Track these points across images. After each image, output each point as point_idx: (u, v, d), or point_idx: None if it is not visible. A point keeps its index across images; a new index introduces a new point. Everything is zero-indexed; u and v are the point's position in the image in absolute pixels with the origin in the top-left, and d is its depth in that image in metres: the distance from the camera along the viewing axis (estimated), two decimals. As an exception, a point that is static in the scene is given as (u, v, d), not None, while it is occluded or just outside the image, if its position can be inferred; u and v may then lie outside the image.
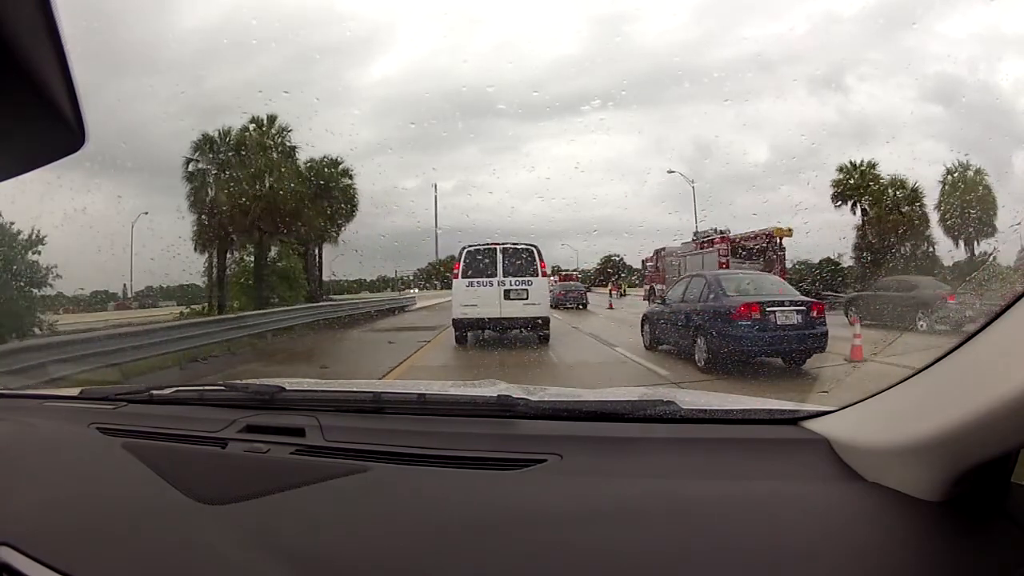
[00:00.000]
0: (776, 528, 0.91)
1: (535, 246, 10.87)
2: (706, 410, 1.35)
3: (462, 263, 10.72)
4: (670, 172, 18.99)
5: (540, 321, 10.39)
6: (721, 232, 16.27)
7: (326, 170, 23.21)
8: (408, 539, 0.96)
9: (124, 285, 22.71)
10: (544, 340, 10.39)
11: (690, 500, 0.99)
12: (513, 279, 10.49)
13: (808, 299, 7.61)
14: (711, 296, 7.70)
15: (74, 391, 1.82)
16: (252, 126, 20.51)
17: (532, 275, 10.56)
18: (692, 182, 18.89)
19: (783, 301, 7.25)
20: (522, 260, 10.63)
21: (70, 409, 1.73)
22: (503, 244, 10.83)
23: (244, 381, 1.59)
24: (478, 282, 10.50)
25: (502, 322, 10.41)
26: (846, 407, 1.13)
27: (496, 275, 10.53)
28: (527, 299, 10.42)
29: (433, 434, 1.28)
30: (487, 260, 10.63)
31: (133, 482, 1.20)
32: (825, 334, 7.08)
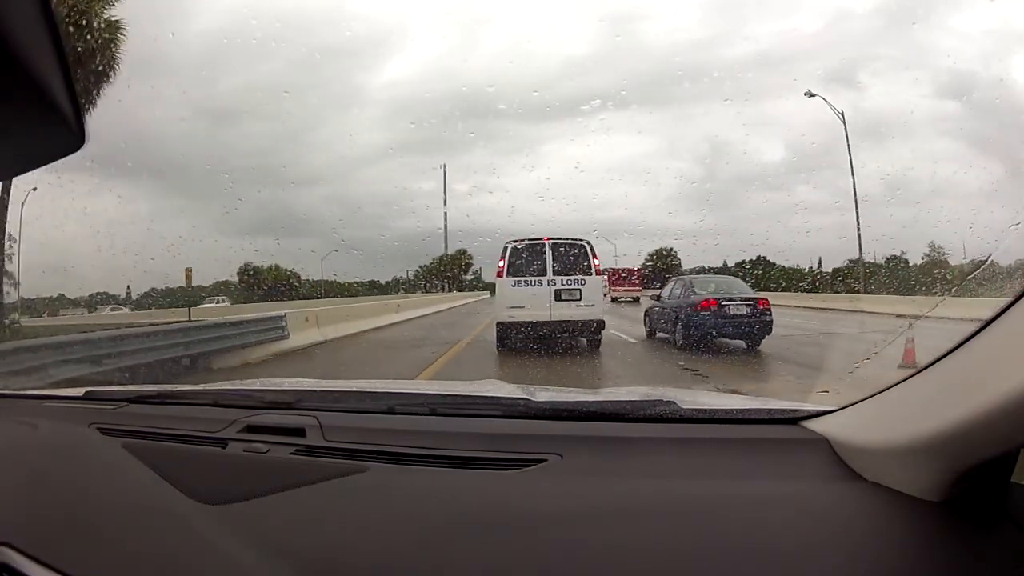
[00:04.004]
0: (776, 528, 0.91)
1: (587, 241, 9.71)
2: (706, 410, 1.35)
3: (506, 260, 9.53)
4: (809, 95, 14.84)
5: (594, 325, 9.17)
6: None
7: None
8: (408, 539, 0.96)
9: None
10: (595, 346, 9.27)
11: (690, 500, 0.99)
12: (564, 278, 9.36)
13: (757, 295, 9.79)
14: (685, 294, 9.92)
15: (75, 391, 1.82)
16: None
17: (585, 273, 9.41)
18: (841, 112, 14.86)
19: (735, 297, 9.45)
20: (573, 256, 9.49)
21: (71, 409, 1.73)
22: (552, 239, 9.64)
23: (244, 381, 1.59)
24: (525, 281, 9.38)
25: (552, 326, 9.20)
26: (846, 407, 1.13)
27: (546, 273, 9.39)
28: (580, 300, 9.30)
29: (433, 434, 1.28)
30: (535, 257, 9.47)
31: (133, 482, 1.20)
32: (770, 322, 9.13)
